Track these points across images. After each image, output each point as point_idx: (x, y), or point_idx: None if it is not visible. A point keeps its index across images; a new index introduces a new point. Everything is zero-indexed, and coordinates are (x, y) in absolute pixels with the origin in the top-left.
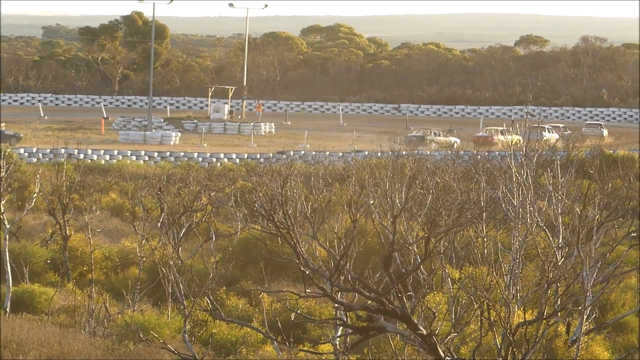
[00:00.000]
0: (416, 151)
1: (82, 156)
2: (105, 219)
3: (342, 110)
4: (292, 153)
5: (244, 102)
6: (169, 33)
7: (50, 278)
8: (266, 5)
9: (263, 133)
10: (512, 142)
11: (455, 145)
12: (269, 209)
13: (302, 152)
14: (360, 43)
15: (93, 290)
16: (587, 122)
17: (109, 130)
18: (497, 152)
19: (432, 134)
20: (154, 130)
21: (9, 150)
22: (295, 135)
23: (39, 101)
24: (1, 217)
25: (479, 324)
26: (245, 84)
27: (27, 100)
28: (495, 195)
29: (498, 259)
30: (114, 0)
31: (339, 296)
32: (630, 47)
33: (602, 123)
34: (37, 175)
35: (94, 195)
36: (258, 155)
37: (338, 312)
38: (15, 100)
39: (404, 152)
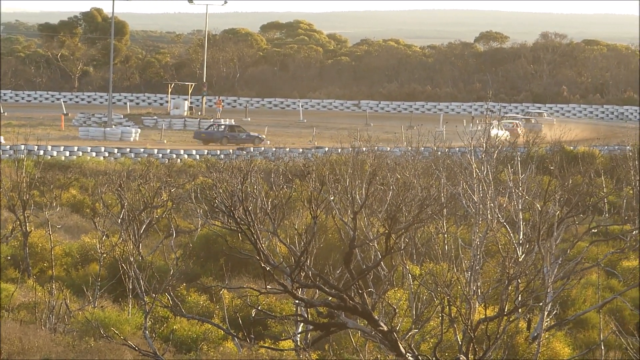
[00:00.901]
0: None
1: (42, 152)
2: (66, 215)
3: (302, 106)
4: (252, 149)
5: (204, 98)
6: (129, 29)
7: (11, 274)
8: (225, 2)
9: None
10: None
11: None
12: (229, 205)
13: (262, 148)
14: (320, 39)
15: (53, 286)
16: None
17: (69, 127)
18: (457, 148)
19: None
20: (114, 126)
21: None
22: (255, 131)
23: None
24: None
25: (439, 320)
26: (205, 81)
27: None
28: (456, 192)
29: (459, 255)
30: None
31: (299, 292)
32: (590, 43)
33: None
34: None
35: (54, 192)
36: (218, 152)
37: (299, 308)
38: None
39: (363, 149)
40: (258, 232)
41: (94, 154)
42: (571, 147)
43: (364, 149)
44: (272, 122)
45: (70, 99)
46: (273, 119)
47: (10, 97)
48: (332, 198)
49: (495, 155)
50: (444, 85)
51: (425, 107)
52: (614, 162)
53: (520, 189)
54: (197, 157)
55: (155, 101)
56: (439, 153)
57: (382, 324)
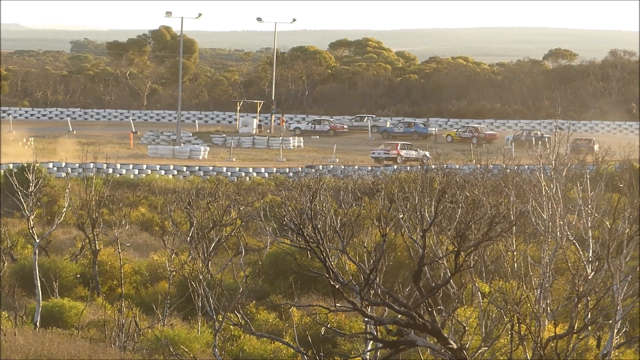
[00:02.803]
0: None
1: (111, 170)
2: (135, 233)
3: (370, 124)
4: (321, 167)
5: (273, 116)
6: (197, 47)
7: (80, 292)
8: (294, 20)
9: (292, 147)
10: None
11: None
12: (298, 223)
13: (331, 166)
14: (389, 57)
15: (123, 304)
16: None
17: (137, 145)
18: (527, 166)
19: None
20: (182, 144)
21: (37, 165)
22: (324, 149)
23: (68, 116)
24: (31, 231)
25: (509, 338)
26: (273, 98)
27: (56, 115)
28: (525, 209)
29: (528, 273)
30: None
31: (369, 310)
32: None
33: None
34: (67, 190)
35: (123, 210)
36: (287, 170)
37: (368, 326)
38: (44, 115)
39: (432, 166)
40: (327, 250)
41: (162, 172)
42: None
43: (433, 166)
44: (341, 139)
45: (139, 117)
46: (342, 136)
47: (79, 115)
48: (401, 216)
49: (565, 172)
50: (513, 102)
51: (493, 124)
52: None
53: (590, 206)
54: (266, 175)
55: (223, 119)
56: (508, 170)
57: (451, 341)
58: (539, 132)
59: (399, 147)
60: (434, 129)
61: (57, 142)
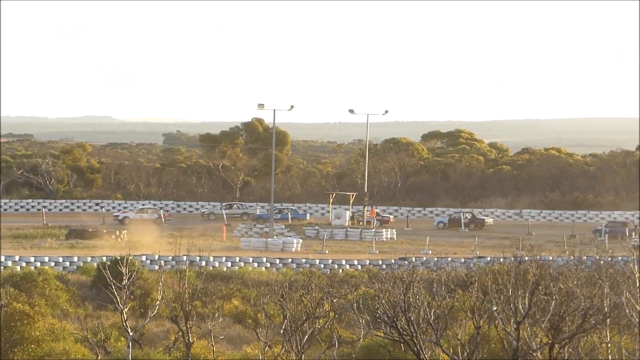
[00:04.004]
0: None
1: (204, 263)
2: (228, 325)
3: (463, 216)
4: (414, 259)
5: (365, 208)
6: (290, 139)
7: None
8: (386, 111)
9: (385, 239)
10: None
11: None
12: (391, 316)
13: (424, 258)
14: (481, 148)
15: None
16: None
17: (230, 237)
18: (620, 257)
19: None
20: (275, 237)
21: (130, 257)
22: (417, 241)
23: (161, 208)
24: (124, 324)
25: None
26: (366, 190)
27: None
28: (619, 301)
29: None
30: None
31: None
32: None
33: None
34: (160, 283)
35: (216, 302)
36: (380, 262)
37: None
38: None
39: (526, 258)
40: (421, 342)
41: (255, 264)
42: None
43: (526, 258)
44: (434, 231)
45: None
46: (435, 229)
47: (172, 208)
48: (494, 308)
49: None
50: (606, 193)
51: (587, 215)
52: None
53: None
54: (359, 267)
55: (316, 211)
56: (602, 262)
57: None
58: (633, 223)
59: None
60: (491, 219)
61: (149, 235)
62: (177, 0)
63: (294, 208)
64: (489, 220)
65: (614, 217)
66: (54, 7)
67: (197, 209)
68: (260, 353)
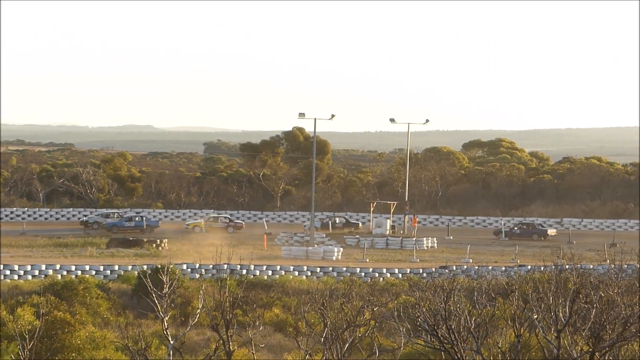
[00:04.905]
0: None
1: (244, 272)
2: (269, 334)
3: (504, 224)
4: (454, 268)
5: (406, 217)
6: (330, 148)
7: None
8: (427, 120)
9: (425, 248)
10: None
11: None
12: (432, 324)
13: (465, 266)
14: (522, 157)
15: None
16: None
17: (271, 246)
18: None
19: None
20: (316, 245)
21: (172, 266)
22: (457, 249)
23: (201, 217)
24: (165, 332)
25: None
26: (407, 199)
27: (189, 217)
28: None
29: None
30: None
31: None
32: None
33: None
34: (201, 291)
35: (257, 311)
36: (420, 270)
37: None
38: (178, 217)
39: (566, 266)
40: (462, 350)
41: (296, 273)
42: None
43: (567, 266)
44: (475, 240)
45: (273, 218)
46: (475, 237)
47: (237, 218)
48: (535, 316)
49: None
50: None
51: (627, 224)
52: None
53: None
54: (400, 275)
55: (357, 220)
56: None
57: None
58: None
59: None
60: (554, 229)
61: (191, 244)
62: (218, 10)
63: (145, 215)
64: (552, 231)
65: None
66: (101, 15)
67: (237, 218)
68: None
